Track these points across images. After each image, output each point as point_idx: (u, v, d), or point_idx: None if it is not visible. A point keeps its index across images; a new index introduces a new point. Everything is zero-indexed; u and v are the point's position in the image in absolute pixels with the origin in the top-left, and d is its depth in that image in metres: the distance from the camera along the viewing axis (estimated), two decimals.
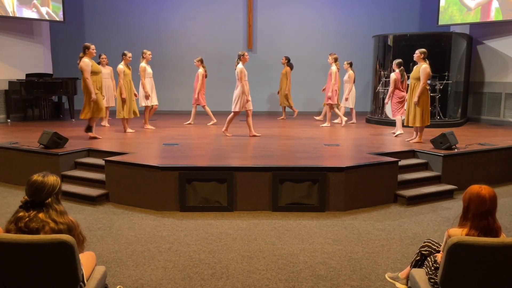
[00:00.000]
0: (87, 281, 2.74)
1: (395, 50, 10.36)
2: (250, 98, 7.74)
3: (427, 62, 7.14)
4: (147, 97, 8.75)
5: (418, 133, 7.34)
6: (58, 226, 2.52)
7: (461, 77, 10.49)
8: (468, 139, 7.63)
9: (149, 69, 8.86)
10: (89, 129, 7.52)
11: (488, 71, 10.68)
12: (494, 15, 10.22)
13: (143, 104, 8.86)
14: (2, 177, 6.65)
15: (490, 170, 6.58)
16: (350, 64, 10.16)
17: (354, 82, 10.15)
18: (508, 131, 9.11)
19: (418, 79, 7.09)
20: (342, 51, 12.75)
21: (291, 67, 11.02)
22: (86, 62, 7.18)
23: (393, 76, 8.26)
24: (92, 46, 7.31)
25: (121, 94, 8.14)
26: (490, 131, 9.09)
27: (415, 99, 7.10)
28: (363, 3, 12.88)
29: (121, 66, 8.23)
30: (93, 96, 7.16)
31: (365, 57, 12.12)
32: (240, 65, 7.63)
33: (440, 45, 10.31)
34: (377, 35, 10.96)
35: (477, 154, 6.55)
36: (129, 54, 8.40)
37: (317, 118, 11.01)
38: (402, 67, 8.21)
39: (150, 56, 8.88)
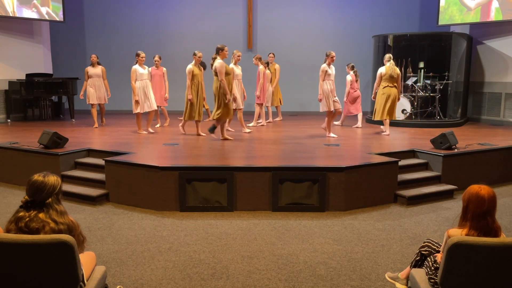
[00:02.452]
0: (87, 281, 2.74)
1: (395, 50, 10.35)
2: (336, 97, 7.92)
3: (390, 63, 8.11)
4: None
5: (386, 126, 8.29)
6: (58, 226, 2.53)
7: (461, 77, 10.50)
8: (468, 139, 7.63)
9: None
10: (213, 129, 7.48)
11: (488, 71, 10.68)
12: (494, 15, 10.22)
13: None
14: (2, 177, 6.65)
15: (490, 170, 6.58)
16: (267, 64, 9.90)
17: (271, 82, 9.91)
18: (508, 131, 9.11)
19: None
20: (342, 51, 12.74)
21: (204, 66, 10.20)
22: (222, 64, 7.12)
23: (348, 77, 9.28)
24: (226, 48, 7.23)
25: (187, 95, 7.78)
26: (490, 131, 9.09)
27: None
28: (363, 3, 12.88)
29: (190, 66, 7.87)
30: (228, 97, 7.16)
31: (365, 57, 12.12)
32: (323, 64, 7.80)
33: (440, 45, 10.33)
34: (377, 35, 10.96)
35: (477, 154, 6.55)
36: (199, 54, 7.92)
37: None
38: (355, 69, 9.37)
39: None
